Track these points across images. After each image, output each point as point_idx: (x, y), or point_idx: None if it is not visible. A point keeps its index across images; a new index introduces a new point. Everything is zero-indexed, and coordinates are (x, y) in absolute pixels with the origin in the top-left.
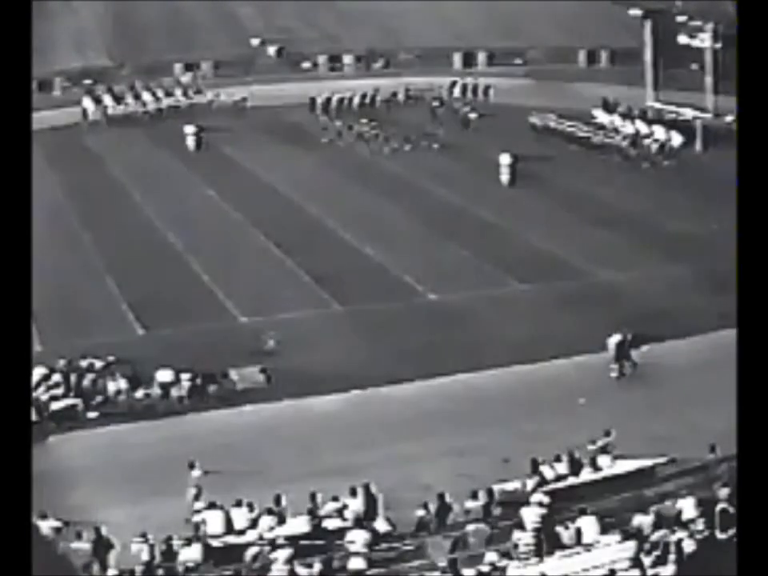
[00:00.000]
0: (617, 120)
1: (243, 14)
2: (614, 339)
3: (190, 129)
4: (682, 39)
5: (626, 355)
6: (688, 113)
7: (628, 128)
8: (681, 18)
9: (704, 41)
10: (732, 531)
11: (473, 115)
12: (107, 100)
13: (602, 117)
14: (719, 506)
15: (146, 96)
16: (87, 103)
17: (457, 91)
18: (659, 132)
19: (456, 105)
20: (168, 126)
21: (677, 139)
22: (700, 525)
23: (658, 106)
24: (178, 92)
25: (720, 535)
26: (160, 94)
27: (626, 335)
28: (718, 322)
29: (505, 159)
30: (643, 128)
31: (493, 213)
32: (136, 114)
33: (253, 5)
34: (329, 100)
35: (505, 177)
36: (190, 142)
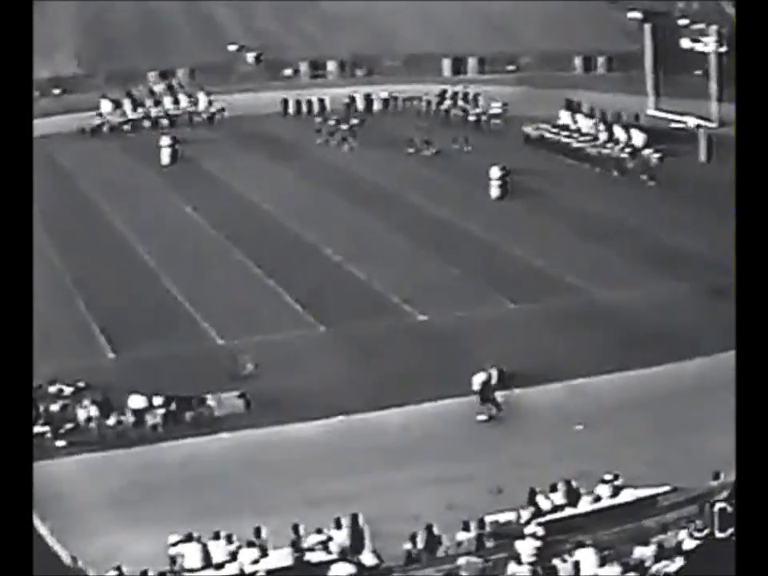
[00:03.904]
0: (580, 120)
1: (220, 17)
2: (479, 378)
3: (165, 140)
4: (685, 43)
5: (491, 397)
6: (690, 121)
7: (588, 127)
8: (683, 21)
9: (707, 45)
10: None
11: (497, 120)
12: (126, 105)
13: (565, 117)
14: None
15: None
16: (105, 107)
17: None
18: (619, 132)
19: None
20: (142, 138)
21: (638, 138)
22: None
23: (657, 113)
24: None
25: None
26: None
27: (490, 373)
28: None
29: (495, 173)
30: (601, 128)
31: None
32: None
33: (230, 8)
34: (310, 104)
35: (495, 190)
36: (165, 154)
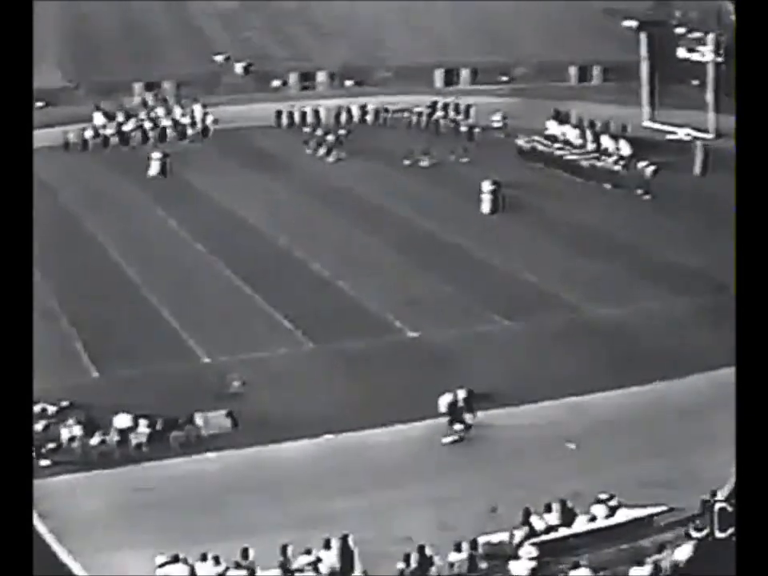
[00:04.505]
0: (568, 131)
1: (207, 27)
2: (445, 399)
3: (155, 154)
4: (681, 53)
5: (459, 418)
6: (686, 133)
7: (575, 138)
8: (680, 30)
9: (704, 54)
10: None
11: (500, 134)
12: (119, 118)
13: (553, 128)
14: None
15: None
16: (98, 119)
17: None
18: (606, 142)
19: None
20: (131, 152)
21: (626, 149)
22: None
23: (653, 125)
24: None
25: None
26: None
27: (457, 395)
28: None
29: (486, 186)
30: (589, 137)
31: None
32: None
33: (217, 18)
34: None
35: (486, 204)
36: (154, 168)
